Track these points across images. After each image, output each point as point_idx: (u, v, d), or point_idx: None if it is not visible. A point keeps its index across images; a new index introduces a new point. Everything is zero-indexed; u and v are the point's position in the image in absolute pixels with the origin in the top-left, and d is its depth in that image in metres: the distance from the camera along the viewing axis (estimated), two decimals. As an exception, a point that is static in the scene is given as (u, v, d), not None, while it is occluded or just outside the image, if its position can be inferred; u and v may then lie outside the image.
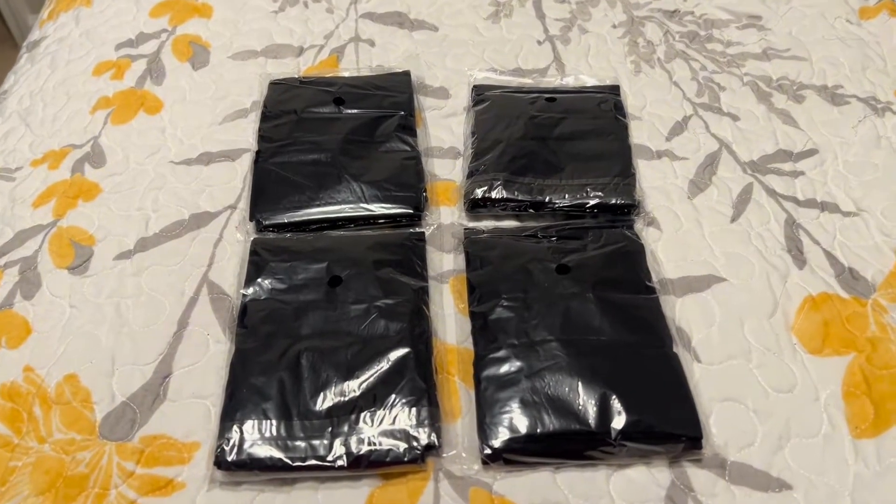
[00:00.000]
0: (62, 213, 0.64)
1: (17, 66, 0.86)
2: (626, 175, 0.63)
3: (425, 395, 0.49)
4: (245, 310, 0.55)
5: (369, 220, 0.61)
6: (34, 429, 0.50)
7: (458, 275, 0.59)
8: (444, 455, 0.48)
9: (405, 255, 0.58)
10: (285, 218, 0.61)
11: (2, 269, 0.60)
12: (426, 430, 0.48)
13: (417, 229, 0.61)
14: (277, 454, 0.47)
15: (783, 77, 0.76)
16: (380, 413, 0.49)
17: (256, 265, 0.57)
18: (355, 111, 0.70)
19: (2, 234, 0.63)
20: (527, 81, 0.76)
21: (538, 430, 0.48)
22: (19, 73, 0.83)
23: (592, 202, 0.61)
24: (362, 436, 0.48)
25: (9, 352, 0.55)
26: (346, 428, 0.48)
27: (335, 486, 0.47)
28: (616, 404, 0.48)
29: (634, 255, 0.58)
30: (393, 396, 0.49)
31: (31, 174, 0.68)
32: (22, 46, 0.90)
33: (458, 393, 0.52)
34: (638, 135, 0.70)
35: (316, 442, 0.47)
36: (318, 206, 0.61)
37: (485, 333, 0.53)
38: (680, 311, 0.56)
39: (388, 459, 0.47)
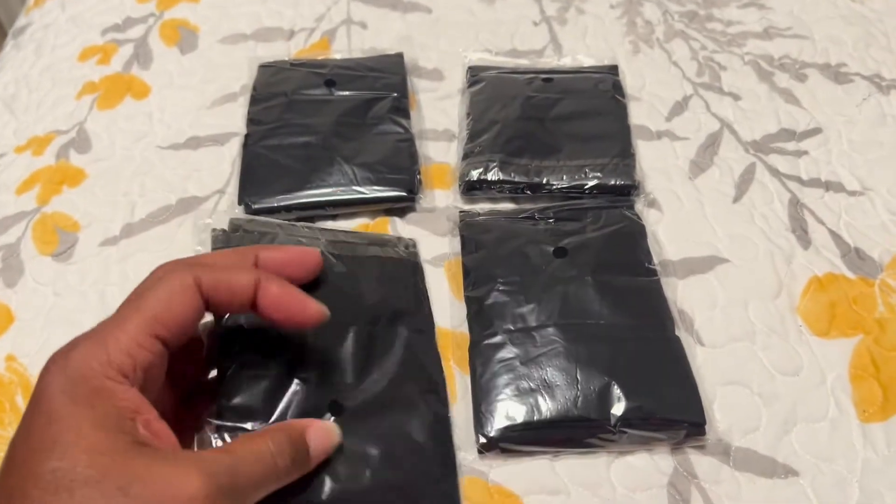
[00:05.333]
0: (46, 200, 0.62)
1: (2, 54, 0.84)
2: (626, 156, 0.62)
3: None
4: None
5: (362, 204, 0.60)
6: (17, 419, 0.49)
7: (454, 258, 0.57)
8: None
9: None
10: (275, 202, 0.59)
11: (-17, 257, 0.58)
12: None
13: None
14: None
15: (785, 56, 0.74)
16: None
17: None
18: (347, 93, 0.68)
19: (-16, 222, 0.61)
20: (523, 62, 0.74)
21: (535, 418, 0.46)
22: (4, 59, 0.81)
23: (591, 183, 0.60)
24: None
25: (-10, 341, 0.53)
26: None
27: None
28: (616, 390, 0.47)
29: (635, 235, 0.56)
30: None
31: (14, 161, 0.66)
32: (8, 34, 0.88)
33: (453, 379, 0.50)
34: (637, 115, 0.68)
35: None
36: (309, 189, 0.59)
37: (480, 318, 0.52)
38: (682, 294, 0.54)
39: None
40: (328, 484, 0.40)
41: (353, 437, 0.42)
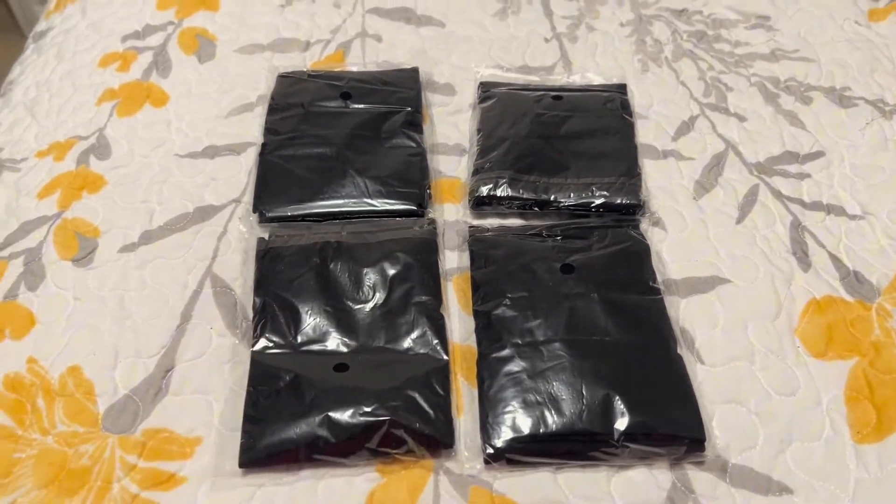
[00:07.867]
0: (67, 205, 0.64)
1: (23, 57, 0.85)
2: (632, 175, 0.63)
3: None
4: None
5: (372, 216, 0.61)
6: (37, 420, 0.50)
7: (463, 273, 0.58)
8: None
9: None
10: (288, 211, 0.61)
11: (6, 261, 0.60)
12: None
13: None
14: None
15: (791, 78, 0.76)
16: None
17: None
18: (362, 106, 0.70)
19: (6, 226, 0.63)
20: (533, 79, 0.75)
21: (541, 431, 0.48)
22: (25, 63, 0.83)
23: (598, 201, 0.61)
24: None
25: (13, 343, 0.55)
26: None
27: (335, 481, 0.47)
28: (619, 405, 0.48)
29: (639, 255, 0.58)
30: None
31: (36, 165, 0.68)
32: (28, 37, 0.90)
33: (461, 391, 0.52)
34: (644, 134, 0.70)
35: None
36: (322, 199, 0.61)
37: (488, 332, 0.53)
38: (684, 313, 0.56)
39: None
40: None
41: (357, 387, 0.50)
